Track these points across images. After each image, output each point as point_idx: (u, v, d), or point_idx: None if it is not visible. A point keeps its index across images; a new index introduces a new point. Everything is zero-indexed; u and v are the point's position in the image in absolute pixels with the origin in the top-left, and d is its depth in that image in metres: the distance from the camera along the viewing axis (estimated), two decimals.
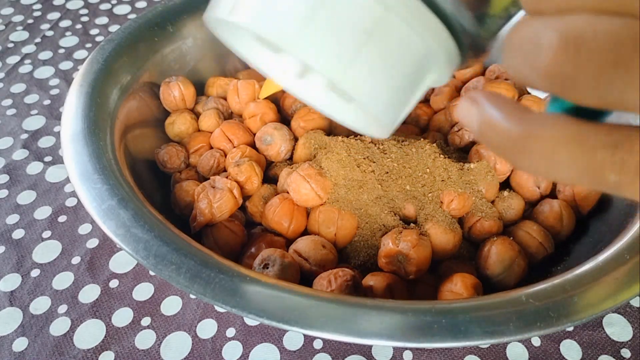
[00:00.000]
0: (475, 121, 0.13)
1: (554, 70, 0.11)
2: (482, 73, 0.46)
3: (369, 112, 0.14)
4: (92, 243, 0.38)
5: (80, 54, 0.56)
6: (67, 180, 0.42)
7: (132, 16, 0.62)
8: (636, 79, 0.10)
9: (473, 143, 0.39)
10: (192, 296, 0.34)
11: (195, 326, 0.33)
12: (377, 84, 0.14)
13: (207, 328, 0.33)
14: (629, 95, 0.10)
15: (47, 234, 0.39)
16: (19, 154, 0.45)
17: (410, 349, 0.32)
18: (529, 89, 0.45)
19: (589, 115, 0.12)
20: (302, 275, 0.31)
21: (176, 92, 0.40)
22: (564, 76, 0.11)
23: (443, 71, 0.16)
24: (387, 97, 0.15)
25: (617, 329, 0.33)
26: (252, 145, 0.39)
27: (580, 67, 0.10)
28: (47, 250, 0.38)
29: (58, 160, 0.44)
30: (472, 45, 0.16)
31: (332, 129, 0.41)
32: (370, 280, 0.30)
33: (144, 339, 0.32)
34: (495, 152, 0.13)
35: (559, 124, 0.11)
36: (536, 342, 0.33)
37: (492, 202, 0.35)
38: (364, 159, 0.34)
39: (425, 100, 0.46)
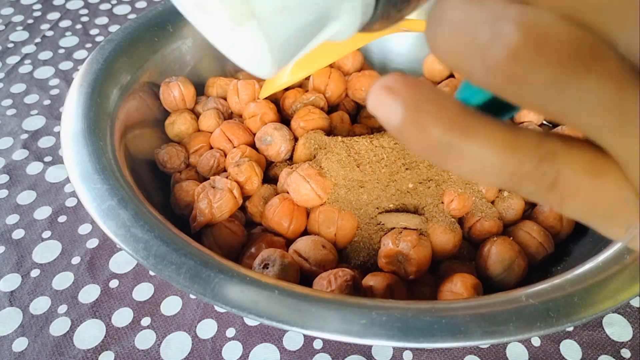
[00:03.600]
0: (395, 119, 0.11)
1: (506, 66, 0.09)
2: None
3: (267, 37, 0.13)
4: (92, 243, 0.38)
5: (80, 54, 0.56)
6: (67, 180, 0.42)
7: (132, 16, 0.62)
8: (586, 94, 0.09)
9: None
10: (192, 296, 0.34)
11: (195, 326, 0.33)
12: (284, 8, 0.13)
13: (207, 328, 0.33)
14: (573, 109, 0.10)
15: (47, 234, 0.39)
16: (19, 154, 0.45)
17: (410, 349, 0.32)
18: None
19: (496, 109, 0.11)
20: (302, 275, 0.31)
21: (176, 92, 0.40)
22: (513, 75, 0.09)
23: (350, 20, 0.15)
24: (289, 27, 0.13)
25: (617, 329, 0.33)
26: (252, 145, 0.39)
27: (535, 70, 0.09)
28: (47, 250, 0.38)
29: (58, 160, 0.44)
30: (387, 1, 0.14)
31: (332, 129, 0.41)
32: (370, 280, 0.30)
33: (144, 339, 0.32)
34: (415, 152, 0.11)
35: (493, 130, 0.10)
36: (536, 342, 0.33)
37: (492, 202, 0.35)
38: (364, 159, 0.34)
39: None
